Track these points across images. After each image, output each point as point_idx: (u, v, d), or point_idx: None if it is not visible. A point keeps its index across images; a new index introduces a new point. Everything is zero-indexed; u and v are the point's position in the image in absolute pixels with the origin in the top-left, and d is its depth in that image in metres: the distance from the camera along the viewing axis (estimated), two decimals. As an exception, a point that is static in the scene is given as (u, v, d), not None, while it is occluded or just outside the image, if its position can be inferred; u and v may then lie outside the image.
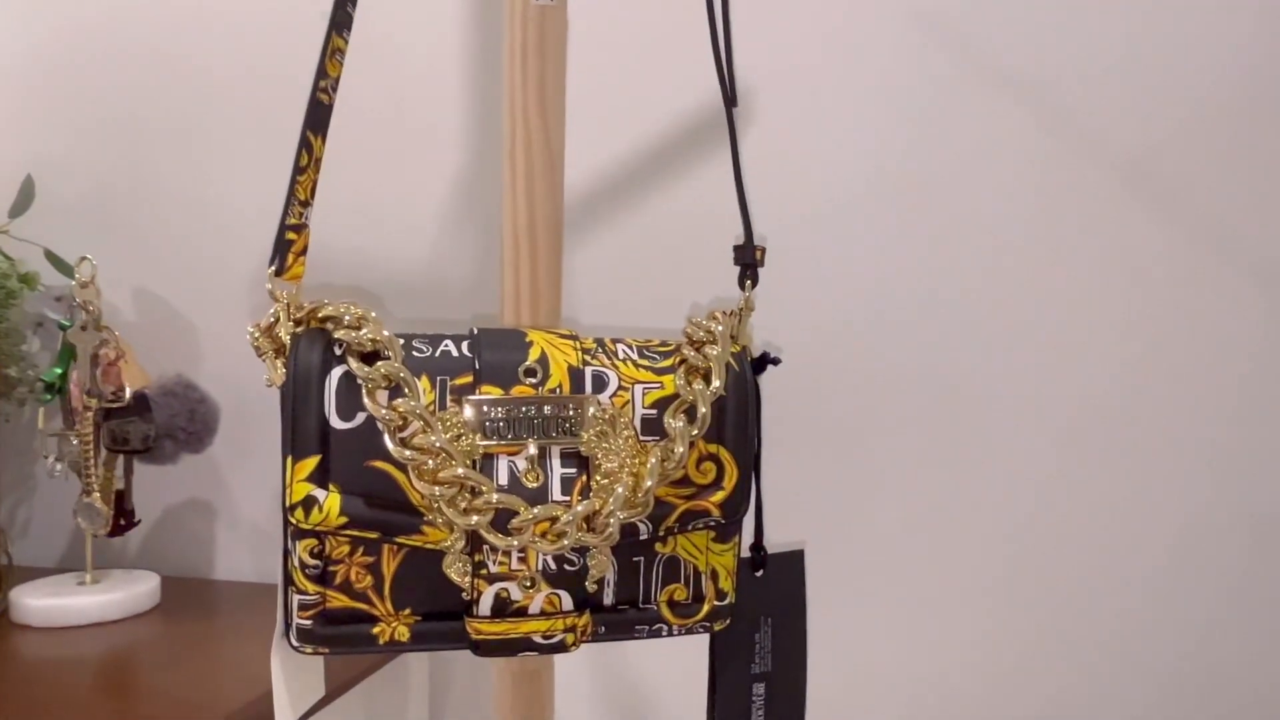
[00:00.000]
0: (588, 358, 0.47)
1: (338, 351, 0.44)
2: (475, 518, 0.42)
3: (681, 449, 0.45)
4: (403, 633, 0.45)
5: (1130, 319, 0.79)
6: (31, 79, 0.99)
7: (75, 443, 0.78)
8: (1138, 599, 0.79)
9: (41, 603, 0.76)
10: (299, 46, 0.91)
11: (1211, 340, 0.78)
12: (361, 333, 0.44)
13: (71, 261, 0.86)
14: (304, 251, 0.48)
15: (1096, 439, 0.79)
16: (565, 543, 0.43)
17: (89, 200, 0.97)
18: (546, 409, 0.45)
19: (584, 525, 0.44)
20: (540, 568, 0.44)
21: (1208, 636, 0.79)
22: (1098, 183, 0.79)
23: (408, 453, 0.42)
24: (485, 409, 0.44)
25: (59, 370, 0.79)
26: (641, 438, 0.47)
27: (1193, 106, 0.77)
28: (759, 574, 0.55)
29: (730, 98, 0.52)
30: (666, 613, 0.49)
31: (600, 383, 0.47)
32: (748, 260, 0.53)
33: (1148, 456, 0.79)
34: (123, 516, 0.81)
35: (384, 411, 0.42)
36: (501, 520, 0.43)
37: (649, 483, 0.44)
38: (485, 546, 0.43)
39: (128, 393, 0.78)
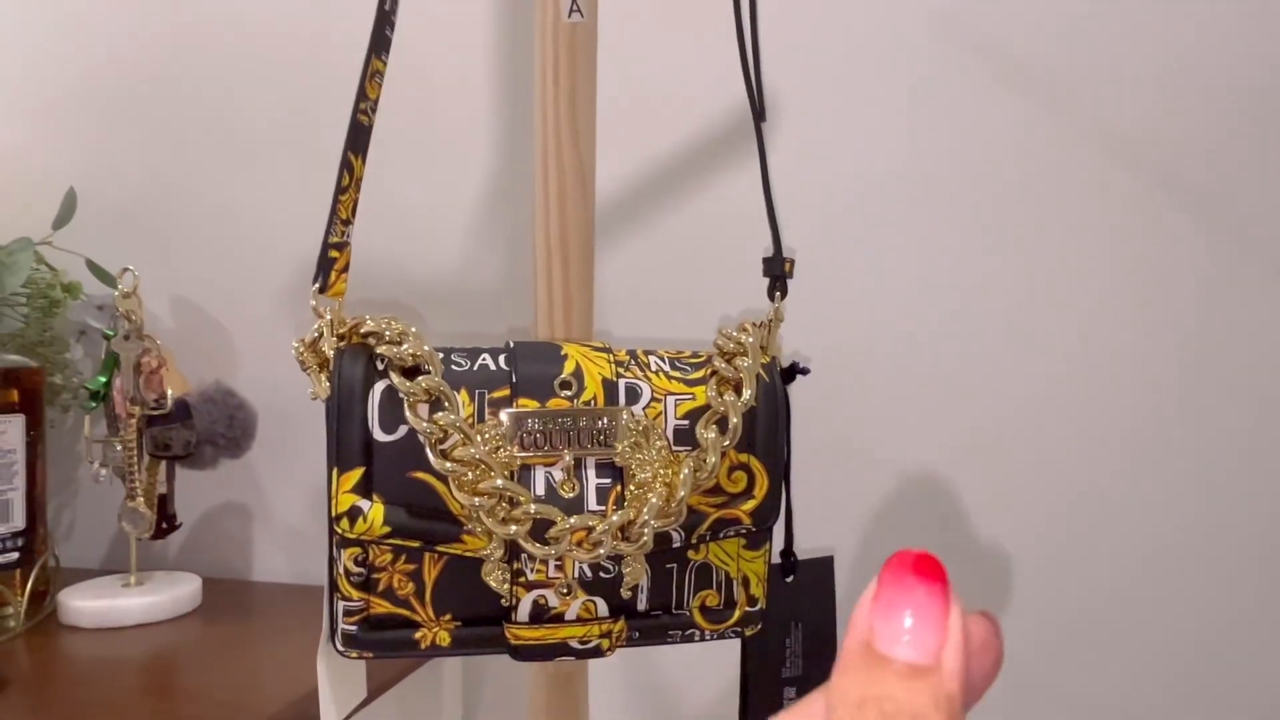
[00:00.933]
0: (621, 370, 0.48)
1: (379, 366, 0.46)
2: (514, 527, 0.44)
3: (714, 459, 0.46)
4: (443, 638, 0.47)
5: (1163, 324, 0.79)
6: (74, 93, 1.02)
7: (119, 449, 0.80)
8: (1175, 607, 0.80)
9: (89, 604, 0.78)
10: (334, 59, 0.93)
11: (1250, 345, 0.78)
12: (403, 348, 0.45)
13: (111, 271, 0.89)
14: (346, 269, 0.49)
15: (1131, 445, 0.80)
16: (601, 551, 0.44)
17: (128, 211, 1.00)
18: (582, 421, 0.46)
19: (619, 534, 0.45)
20: (576, 575, 0.45)
21: (1248, 640, 0.79)
22: (1128, 186, 0.79)
23: (448, 465, 0.44)
24: (522, 421, 0.45)
25: (103, 378, 0.82)
26: (674, 448, 0.48)
27: (1222, 108, 0.77)
28: (789, 580, 0.56)
29: (759, 113, 0.53)
30: (699, 618, 0.50)
31: (634, 394, 0.48)
32: (777, 272, 0.54)
33: (1182, 462, 0.79)
34: (165, 520, 0.83)
35: (425, 425, 0.44)
36: (539, 529, 0.44)
37: (682, 492, 0.45)
38: (523, 555, 0.45)
39: (170, 400, 0.80)
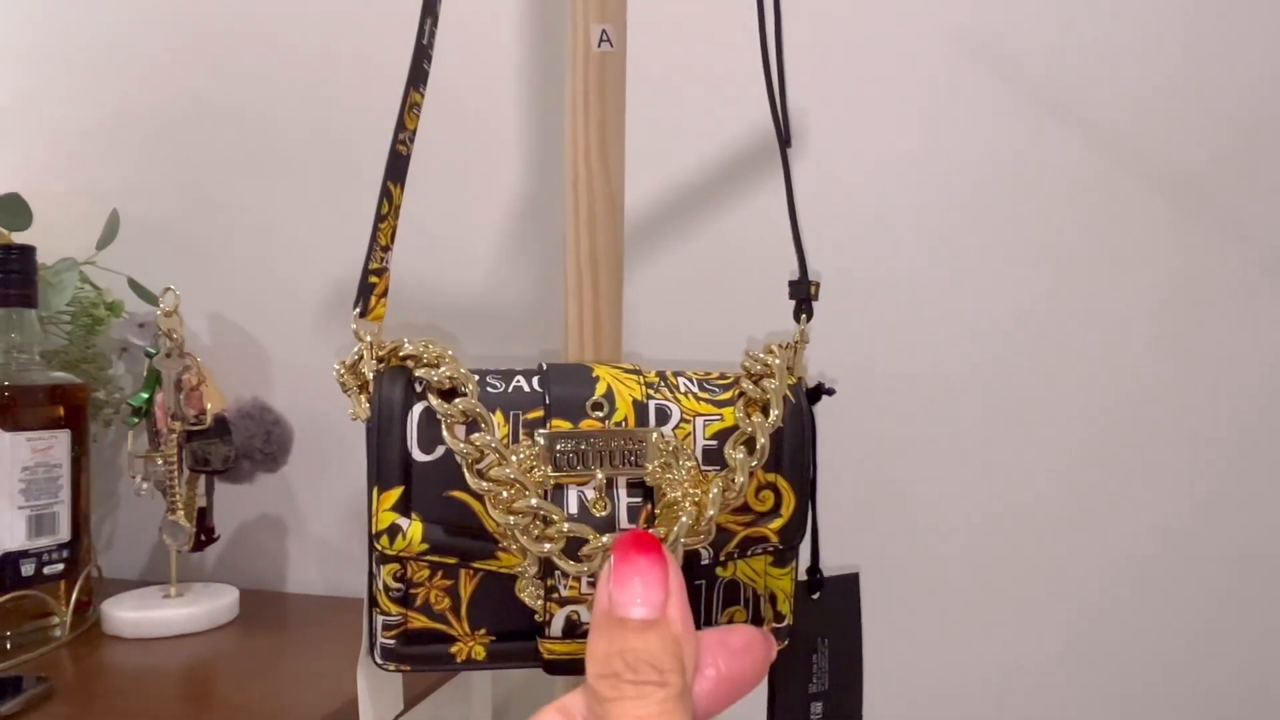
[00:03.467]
0: (651, 391, 0.50)
1: (418, 389, 0.48)
2: (548, 545, 0.45)
3: (742, 479, 0.47)
4: (479, 652, 0.48)
5: (1188, 340, 0.79)
6: (117, 116, 1.05)
7: (160, 463, 0.82)
8: (1203, 621, 0.80)
9: (131, 615, 0.80)
10: (371, 80, 0.95)
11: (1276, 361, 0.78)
12: (440, 370, 0.47)
13: (151, 290, 0.91)
14: (385, 294, 0.51)
15: (1158, 460, 0.80)
16: (632, 568, 0.46)
17: (168, 231, 1.03)
18: (613, 441, 0.47)
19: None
20: (608, 592, 0.47)
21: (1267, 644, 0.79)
22: (1149, 204, 0.79)
23: (484, 484, 0.45)
24: (556, 442, 0.47)
25: (145, 394, 0.84)
26: (703, 468, 0.49)
27: (1244, 126, 0.78)
28: (816, 596, 0.57)
29: (785, 139, 0.55)
30: (727, 634, 0.51)
31: (663, 415, 0.49)
32: (802, 295, 0.55)
33: (1212, 477, 0.79)
34: (204, 532, 0.85)
35: (462, 445, 0.45)
36: (572, 547, 0.46)
37: (711, 511, 0.47)
38: (557, 572, 0.46)
39: (209, 416, 0.83)
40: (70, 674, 0.72)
